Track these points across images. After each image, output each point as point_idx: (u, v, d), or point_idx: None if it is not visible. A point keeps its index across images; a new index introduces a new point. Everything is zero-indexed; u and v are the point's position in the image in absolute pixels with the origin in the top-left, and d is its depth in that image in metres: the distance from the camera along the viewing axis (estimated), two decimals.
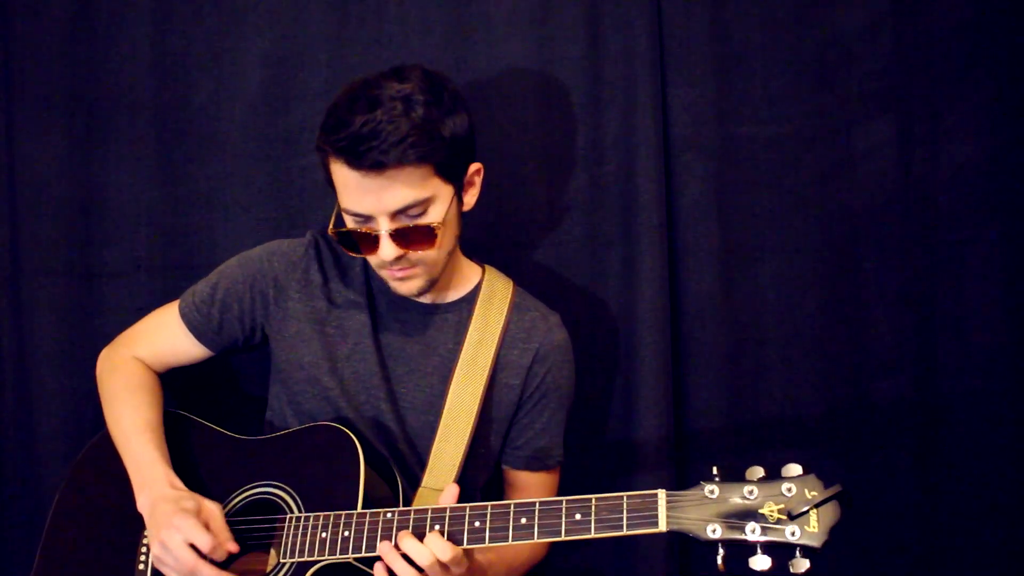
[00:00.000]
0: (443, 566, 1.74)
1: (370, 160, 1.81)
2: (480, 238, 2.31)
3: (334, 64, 2.34)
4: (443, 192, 1.90)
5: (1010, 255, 2.34)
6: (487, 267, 2.17)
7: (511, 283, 2.15)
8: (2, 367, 2.39)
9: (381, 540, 1.78)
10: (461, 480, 2.00)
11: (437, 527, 1.76)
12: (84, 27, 2.36)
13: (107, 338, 2.27)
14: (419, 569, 1.74)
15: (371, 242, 1.91)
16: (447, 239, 1.95)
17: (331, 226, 1.95)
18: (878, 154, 2.35)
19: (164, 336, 2.14)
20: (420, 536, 1.76)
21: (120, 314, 2.34)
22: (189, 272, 2.30)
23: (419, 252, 1.91)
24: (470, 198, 2.01)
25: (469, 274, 2.14)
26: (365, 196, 1.86)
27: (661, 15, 2.33)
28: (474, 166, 1.98)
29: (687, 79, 2.34)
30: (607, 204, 2.35)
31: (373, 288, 2.09)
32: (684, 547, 2.35)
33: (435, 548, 1.73)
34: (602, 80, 2.34)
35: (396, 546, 1.76)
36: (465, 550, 1.76)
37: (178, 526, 1.82)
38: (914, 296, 2.36)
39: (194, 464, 2.02)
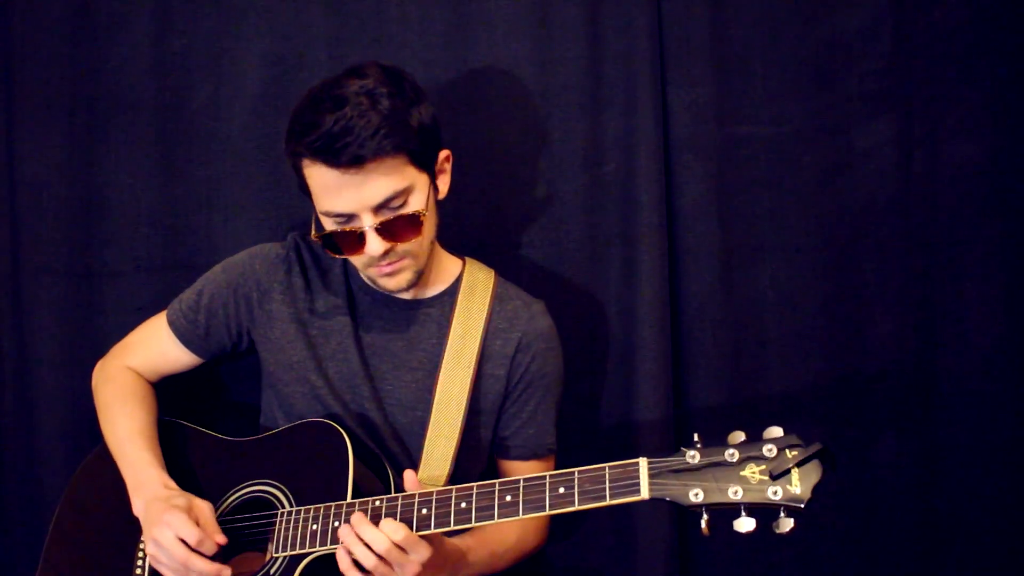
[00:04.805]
0: (400, 550, 1.74)
1: (348, 155, 1.81)
2: (480, 238, 2.31)
3: (334, 64, 2.33)
4: (420, 180, 1.91)
5: (1010, 255, 2.34)
6: (468, 259, 2.17)
7: (493, 273, 2.15)
8: (2, 367, 2.39)
9: (343, 525, 1.77)
10: (455, 472, 2.01)
11: (424, 510, 1.76)
12: (84, 27, 2.36)
13: (107, 338, 2.28)
14: (379, 556, 1.74)
15: (355, 241, 1.91)
16: (430, 227, 1.97)
17: (312, 232, 1.96)
18: (878, 154, 2.35)
19: (154, 345, 2.16)
20: (407, 522, 1.76)
21: (120, 314, 2.34)
22: (189, 272, 2.30)
23: (406, 243, 1.92)
24: (443, 186, 2.02)
25: (449, 267, 2.14)
26: (346, 194, 1.86)
27: (661, 15, 2.33)
28: (443, 153, 1.99)
29: (687, 79, 2.34)
30: (607, 204, 2.35)
31: (353, 288, 2.10)
32: (684, 549, 2.35)
33: (388, 531, 1.74)
34: (602, 80, 2.34)
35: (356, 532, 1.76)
36: (430, 536, 1.76)
37: (168, 522, 1.83)
38: (914, 296, 2.36)
39: (188, 467, 2.04)
